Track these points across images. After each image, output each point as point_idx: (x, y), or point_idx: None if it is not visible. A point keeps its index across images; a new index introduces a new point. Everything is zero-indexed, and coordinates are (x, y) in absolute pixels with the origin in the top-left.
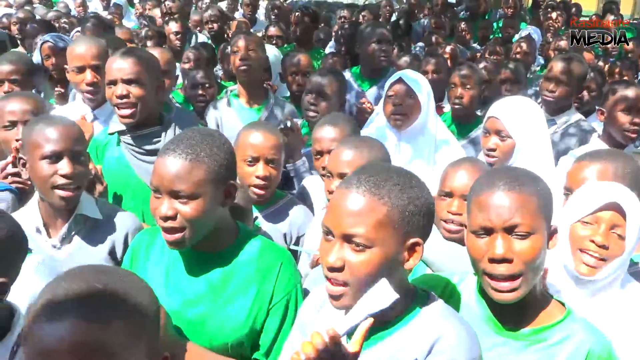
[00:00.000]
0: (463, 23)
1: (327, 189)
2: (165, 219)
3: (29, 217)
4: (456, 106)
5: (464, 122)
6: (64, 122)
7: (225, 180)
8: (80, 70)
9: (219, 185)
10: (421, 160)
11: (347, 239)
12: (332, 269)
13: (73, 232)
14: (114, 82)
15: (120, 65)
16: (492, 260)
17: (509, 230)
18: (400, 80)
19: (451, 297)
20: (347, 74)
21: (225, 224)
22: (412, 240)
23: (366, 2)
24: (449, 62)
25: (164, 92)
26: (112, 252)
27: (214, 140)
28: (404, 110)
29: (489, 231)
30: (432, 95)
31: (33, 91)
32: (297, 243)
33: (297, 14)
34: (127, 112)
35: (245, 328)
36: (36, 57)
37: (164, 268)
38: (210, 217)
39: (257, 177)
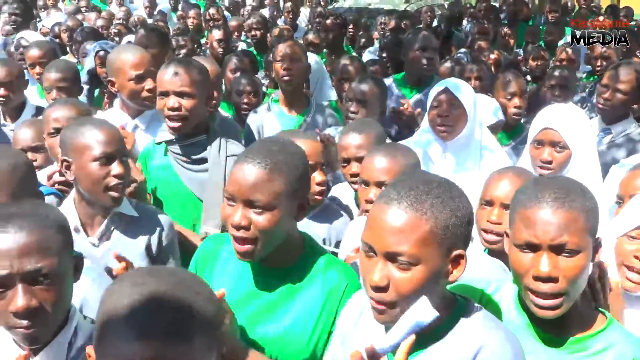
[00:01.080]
0: (506, 28)
1: (365, 198)
2: (238, 228)
3: (67, 217)
4: (515, 117)
5: (506, 129)
6: (107, 124)
7: (301, 193)
8: (141, 78)
9: (294, 198)
10: (467, 171)
11: (391, 257)
12: (377, 289)
13: (112, 229)
14: (165, 94)
15: (172, 77)
16: (537, 278)
17: (556, 248)
18: (445, 90)
19: (487, 307)
20: (389, 80)
21: (294, 238)
22: (455, 253)
23: (406, 9)
24: (493, 68)
25: (218, 101)
26: (148, 248)
27: (292, 152)
28: (449, 122)
29: (534, 247)
30: (477, 103)
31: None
32: (336, 247)
33: (328, 21)
34: (177, 124)
35: (307, 352)
36: (89, 64)
37: (231, 280)
38: (283, 230)
39: (318, 184)
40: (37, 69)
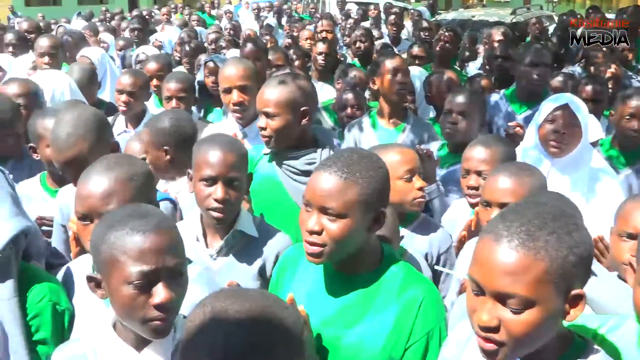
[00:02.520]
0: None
1: (487, 220)
2: (311, 232)
3: (190, 226)
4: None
5: (629, 150)
6: (226, 146)
7: (376, 206)
8: (228, 91)
9: (368, 210)
10: (576, 192)
11: (502, 298)
12: (486, 329)
13: (230, 246)
14: (259, 112)
15: (262, 97)
16: None
17: None
18: (565, 107)
19: (601, 346)
20: (498, 95)
21: (371, 248)
22: (574, 292)
23: (514, 20)
24: (611, 83)
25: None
26: (262, 270)
27: (371, 163)
28: (565, 139)
29: None
30: (590, 121)
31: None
32: (437, 262)
33: (444, 33)
34: (265, 139)
35: None
36: (199, 76)
37: (307, 287)
38: (354, 239)
39: (418, 189)
40: (155, 81)
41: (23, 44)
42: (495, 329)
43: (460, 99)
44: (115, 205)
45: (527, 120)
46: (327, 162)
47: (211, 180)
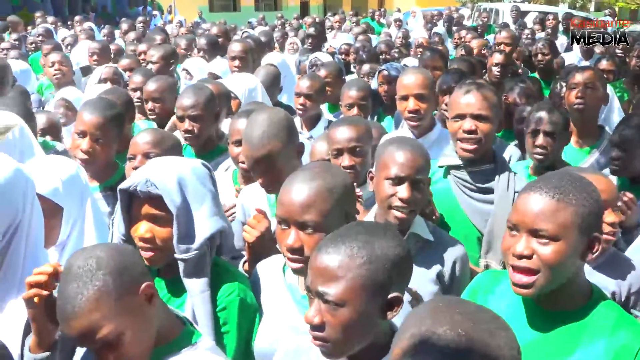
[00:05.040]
0: None
1: None
2: (520, 257)
3: None
4: None
5: None
6: (414, 148)
7: (591, 231)
8: (405, 98)
9: (583, 234)
10: None
11: None
12: None
13: None
14: (461, 117)
15: (469, 101)
16: None
17: None
18: None
19: None
20: None
21: (580, 279)
22: None
23: None
24: None
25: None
26: (440, 275)
27: (584, 185)
28: None
29: None
30: None
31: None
32: (627, 302)
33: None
34: (471, 147)
35: None
36: (373, 84)
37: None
38: (567, 267)
39: (610, 224)
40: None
41: (214, 48)
42: None
43: (625, 132)
44: (312, 215)
45: None
46: (536, 183)
47: (398, 180)
